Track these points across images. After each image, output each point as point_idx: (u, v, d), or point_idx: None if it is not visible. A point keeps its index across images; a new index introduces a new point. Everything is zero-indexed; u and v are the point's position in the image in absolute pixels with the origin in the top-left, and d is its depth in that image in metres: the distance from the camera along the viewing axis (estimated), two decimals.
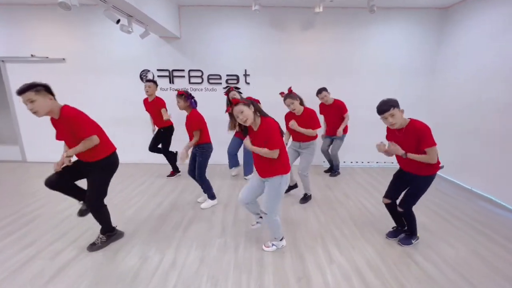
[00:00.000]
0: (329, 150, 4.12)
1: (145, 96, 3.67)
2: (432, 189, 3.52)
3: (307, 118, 2.86)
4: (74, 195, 2.20)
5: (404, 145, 2.02)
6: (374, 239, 2.39)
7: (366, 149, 4.61)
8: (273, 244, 2.22)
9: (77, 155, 2.09)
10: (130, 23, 2.87)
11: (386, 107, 1.95)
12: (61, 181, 2.07)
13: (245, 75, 4.34)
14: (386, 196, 2.31)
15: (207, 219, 2.75)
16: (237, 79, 4.35)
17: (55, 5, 4.00)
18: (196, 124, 2.74)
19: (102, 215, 2.24)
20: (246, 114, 1.84)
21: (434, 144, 1.93)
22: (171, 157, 3.93)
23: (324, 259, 2.12)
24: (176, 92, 2.85)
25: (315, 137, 2.96)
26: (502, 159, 3.16)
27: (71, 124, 1.92)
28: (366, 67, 4.33)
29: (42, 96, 1.81)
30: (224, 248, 2.25)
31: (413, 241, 2.29)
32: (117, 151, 2.31)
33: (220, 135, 3.96)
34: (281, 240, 2.23)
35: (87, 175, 2.12)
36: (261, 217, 2.36)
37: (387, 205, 2.34)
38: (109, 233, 2.30)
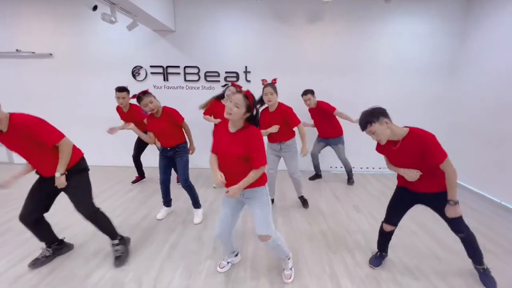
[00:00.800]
0: (338, 156, 3.71)
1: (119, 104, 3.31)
2: None
3: (280, 114, 2.53)
4: (46, 235, 1.97)
5: (402, 160, 1.67)
6: (393, 265, 2.01)
7: (378, 154, 4.22)
8: (290, 268, 1.87)
9: (39, 171, 1.80)
10: (113, 11, 2.54)
11: (362, 123, 1.61)
12: (37, 210, 1.85)
13: (246, 72, 3.98)
14: (390, 221, 1.90)
15: (197, 235, 2.40)
16: (237, 77, 3.99)
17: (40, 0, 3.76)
18: (180, 115, 2.50)
19: (103, 220, 1.99)
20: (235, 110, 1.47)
21: (446, 154, 1.54)
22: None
23: None
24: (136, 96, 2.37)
25: (294, 135, 2.67)
26: None
27: (31, 132, 1.62)
28: (379, 64, 3.92)
29: None
30: (213, 273, 1.90)
31: (491, 274, 1.83)
32: (108, 154, 2.02)
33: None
34: (289, 259, 1.87)
35: (60, 190, 1.84)
36: (236, 255, 1.99)
37: (385, 233, 1.95)
38: (120, 237, 2.06)
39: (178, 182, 3.67)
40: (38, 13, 3.86)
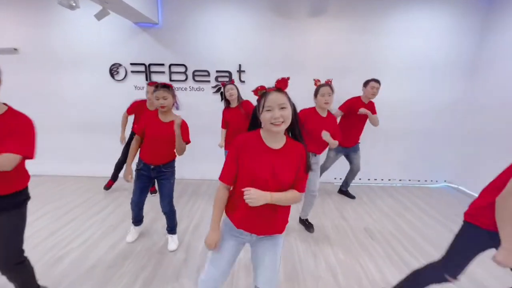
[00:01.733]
0: (357, 166, 3.22)
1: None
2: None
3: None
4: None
5: None
6: None
7: (387, 163, 3.79)
8: None
9: None
10: None
11: None
12: None
13: (239, 71, 3.51)
14: (455, 274, 1.31)
15: (176, 271, 1.92)
16: (229, 76, 3.52)
17: None
18: (187, 131, 1.94)
19: (26, 273, 1.47)
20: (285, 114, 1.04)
21: None
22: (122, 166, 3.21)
23: None
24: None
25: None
26: None
27: (19, 130, 1.23)
28: (390, 62, 3.47)
29: None
30: None
31: None
32: (82, 162, 1.51)
33: (208, 147, 3.18)
34: None
35: None
36: None
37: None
38: None
39: (152, 192, 3.20)
40: (0, 2, 3.36)
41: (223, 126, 2.82)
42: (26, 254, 1.43)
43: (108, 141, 3.54)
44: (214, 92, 3.56)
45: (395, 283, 1.59)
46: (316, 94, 2.20)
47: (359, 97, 2.97)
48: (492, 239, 1.18)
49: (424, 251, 2.25)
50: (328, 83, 2.19)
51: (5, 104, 1.28)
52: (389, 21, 3.37)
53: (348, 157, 3.19)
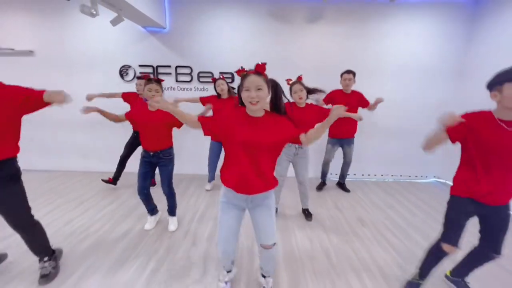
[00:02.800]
0: (349, 158, 3.47)
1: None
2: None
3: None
4: None
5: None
6: (395, 274, 1.77)
7: (380, 160, 4.02)
8: (226, 282, 1.70)
9: None
10: (94, 3, 2.28)
11: None
12: None
13: None
14: (454, 242, 1.49)
15: (185, 252, 2.14)
16: (232, 78, 3.76)
17: None
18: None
19: (39, 234, 1.76)
20: (261, 94, 1.26)
21: None
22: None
23: None
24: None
25: None
26: None
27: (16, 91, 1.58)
28: (383, 66, 3.72)
29: None
30: None
31: None
32: (92, 159, 1.77)
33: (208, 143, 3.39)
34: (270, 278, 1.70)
35: None
36: (229, 271, 1.74)
37: (441, 254, 1.56)
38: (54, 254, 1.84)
39: (153, 185, 3.40)
40: (19, 8, 3.58)
41: (204, 104, 3.06)
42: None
43: (117, 138, 3.75)
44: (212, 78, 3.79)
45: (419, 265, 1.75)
46: (290, 93, 2.41)
47: (341, 89, 3.20)
48: (472, 205, 1.44)
49: (411, 237, 2.47)
50: (298, 81, 2.39)
51: None
52: (382, 28, 3.61)
53: (343, 149, 3.42)
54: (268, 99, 1.33)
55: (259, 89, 1.24)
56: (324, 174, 3.59)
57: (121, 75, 3.75)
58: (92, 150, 3.96)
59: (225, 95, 3.05)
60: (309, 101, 2.49)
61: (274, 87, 1.33)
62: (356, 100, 3.15)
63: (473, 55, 3.53)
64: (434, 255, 1.60)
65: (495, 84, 1.34)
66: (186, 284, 1.80)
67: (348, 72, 3.10)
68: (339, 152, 3.47)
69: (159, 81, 2.16)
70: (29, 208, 1.69)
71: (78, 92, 3.79)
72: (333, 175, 3.96)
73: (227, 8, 3.56)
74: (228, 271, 1.71)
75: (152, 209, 2.51)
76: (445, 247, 1.51)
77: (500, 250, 1.48)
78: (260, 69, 1.30)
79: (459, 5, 3.52)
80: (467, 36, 3.58)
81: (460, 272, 1.71)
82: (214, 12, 3.57)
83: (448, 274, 1.80)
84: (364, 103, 3.19)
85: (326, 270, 1.97)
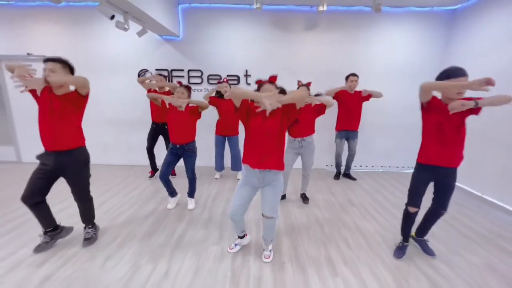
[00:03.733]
0: (353, 150, 3.96)
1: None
2: None
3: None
4: (45, 217, 2.12)
5: (457, 116, 1.76)
6: (382, 251, 2.24)
7: (370, 152, 4.48)
8: (270, 250, 2.12)
9: (47, 140, 1.96)
10: (126, 19, 2.75)
11: (463, 71, 1.71)
12: (41, 192, 2.02)
13: (246, 75, 4.22)
14: (415, 204, 1.99)
15: (204, 225, 2.61)
16: (238, 80, 4.23)
17: (51, 5, 3.95)
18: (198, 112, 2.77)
19: (92, 206, 2.30)
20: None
21: None
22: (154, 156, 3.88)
23: (328, 272, 1.96)
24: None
25: (314, 131, 2.97)
26: None
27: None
28: (371, 69, 4.18)
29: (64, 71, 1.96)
30: (220, 257, 2.11)
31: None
32: (115, 152, 2.27)
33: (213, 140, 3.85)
34: (271, 242, 2.15)
35: (59, 176, 2.08)
36: (243, 236, 2.20)
37: (410, 215, 2.06)
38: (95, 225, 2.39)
39: (173, 175, 3.91)
40: (49, 19, 4.06)
41: (210, 102, 3.42)
42: None
43: (137, 134, 4.23)
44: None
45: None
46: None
47: (345, 90, 3.71)
48: (429, 171, 1.90)
49: (393, 214, 2.93)
50: (307, 85, 2.81)
51: None
52: (370, 34, 4.08)
53: (348, 141, 3.89)
54: None
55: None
56: (338, 165, 4.07)
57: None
58: (113, 145, 4.44)
59: (228, 96, 3.53)
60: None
61: (283, 91, 1.85)
62: (359, 98, 3.68)
63: (451, 57, 4.00)
64: (406, 218, 2.08)
65: (440, 79, 1.78)
66: (206, 245, 2.26)
67: (354, 74, 3.64)
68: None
69: (187, 87, 2.71)
70: (89, 186, 2.20)
71: (101, 93, 4.30)
72: (328, 166, 4.42)
73: (234, 18, 4.03)
74: (240, 237, 2.17)
75: (172, 192, 2.98)
76: (410, 209, 1.99)
77: (446, 206, 1.94)
78: (272, 79, 1.81)
79: (438, 14, 3.98)
80: (445, 41, 4.05)
81: (421, 232, 2.18)
82: (222, 22, 4.04)
83: (413, 235, 2.26)
84: (366, 98, 3.69)
85: (319, 236, 2.44)
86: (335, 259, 2.10)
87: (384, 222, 2.76)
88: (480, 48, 3.49)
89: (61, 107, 1.94)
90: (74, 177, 2.10)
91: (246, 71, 4.20)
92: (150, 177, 3.92)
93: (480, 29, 3.51)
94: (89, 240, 2.23)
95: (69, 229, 2.33)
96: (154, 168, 3.92)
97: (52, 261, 2.01)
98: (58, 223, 2.22)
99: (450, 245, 2.32)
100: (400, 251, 2.14)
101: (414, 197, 1.99)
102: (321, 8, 3.48)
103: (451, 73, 1.75)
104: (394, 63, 4.16)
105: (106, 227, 2.54)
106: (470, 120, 1.83)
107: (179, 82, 2.77)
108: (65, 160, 2.01)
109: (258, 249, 2.22)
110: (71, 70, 2.02)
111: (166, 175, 2.82)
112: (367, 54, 4.15)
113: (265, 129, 1.77)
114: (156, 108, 3.47)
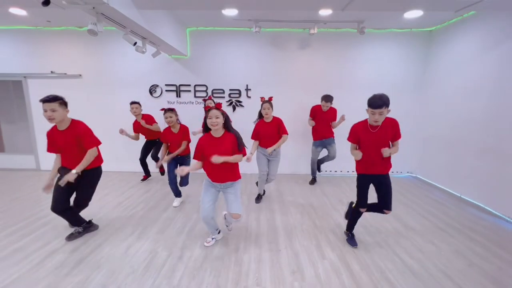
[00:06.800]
0: (333, 154, 4.22)
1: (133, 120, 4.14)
2: (423, 196, 3.78)
3: (275, 124, 3.20)
4: (75, 219, 2.51)
5: (378, 142, 2.11)
6: (365, 239, 2.59)
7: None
8: (213, 238, 2.51)
9: (69, 165, 2.30)
10: (144, 44, 3.22)
11: (381, 102, 1.96)
12: (66, 200, 2.40)
13: (247, 89, 4.67)
14: (364, 205, 2.35)
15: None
16: (239, 93, 4.68)
17: (73, 29, 4.48)
18: (188, 135, 3.25)
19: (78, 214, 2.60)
20: (218, 121, 2.06)
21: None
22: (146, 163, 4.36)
23: (317, 255, 2.31)
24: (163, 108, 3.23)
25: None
26: (495, 169, 3.37)
27: (81, 135, 2.26)
28: (358, 83, 4.64)
29: (62, 108, 2.21)
30: (225, 246, 2.46)
31: None
32: (127, 160, 2.65)
33: None
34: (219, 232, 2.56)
35: (78, 185, 2.41)
36: (219, 232, 2.55)
37: (359, 214, 2.44)
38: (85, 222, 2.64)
39: (181, 185, 4.27)
40: (70, 40, 4.56)
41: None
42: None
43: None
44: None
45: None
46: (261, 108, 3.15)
47: (320, 106, 4.07)
48: (366, 178, 2.28)
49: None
50: (269, 100, 3.11)
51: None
52: (359, 53, 4.56)
53: (326, 148, 4.26)
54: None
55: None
56: (313, 171, 4.43)
57: (150, 93, 4.69)
58: (124, 154, 4.83)
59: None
60: None
61: (227, 119, 2.16)
62: (330, 116, 4.10)
63: (429, 73, 4.46)
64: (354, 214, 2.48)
65: (368, 105, 2.12)
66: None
67: (326, 100, 3.96)
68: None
69: (172, 110, 3.13)
70: (91, 197, 2.57)
71: (116, 106, 4.74)
72: (327, 172, 4.80)
73: (235, 40, 4.53)
74: (216, 229, 2.51)
75: (177, 194, 3.41)
76: (361, 209, 2.37)
77: (390, 207, 2.28)
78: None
79: (416, 35, 4.48)
80: (424, 59, 4.53)
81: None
82: (225, 42, 4.54)
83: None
84: (334, 119, 4.11)
85: (311, 229, 2.79)
86: (324, 247, 2.45)
87: (369, 218, 3.11)
88: (454, 63, 3.95)
89: (76, 144, 2.30)
90: (85, 189, 2.47)
91: (247, 85, 4.67)
92: (143, 180, 4.40)
93: (454, 46, 3.97)
94: (72, 235, 2.52)
95: (96, 226, 2.71)
96: (147, 174, 4.44)
97: (83, 249, 2.37)
98: (89, 219, 2.63)
99: (425, 236, 2.67)
100: (352, 240, 2.50)
101: (362, 198, 2.35)
102: (312, 31, 3.98)
103: (369, 104, 2.08)
104: (377, 78, 4.61)
105: (125, 222, 2.90)
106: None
107: (162, 109, 3.18)
108: (82, 175, 2.35)
109: (257, 238, 2.57)
110: (65, 103, 2.24)
111: (174, 179, 3.28)
112: (352, 70, 4.62)
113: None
114: (147, 131, 4.04)
